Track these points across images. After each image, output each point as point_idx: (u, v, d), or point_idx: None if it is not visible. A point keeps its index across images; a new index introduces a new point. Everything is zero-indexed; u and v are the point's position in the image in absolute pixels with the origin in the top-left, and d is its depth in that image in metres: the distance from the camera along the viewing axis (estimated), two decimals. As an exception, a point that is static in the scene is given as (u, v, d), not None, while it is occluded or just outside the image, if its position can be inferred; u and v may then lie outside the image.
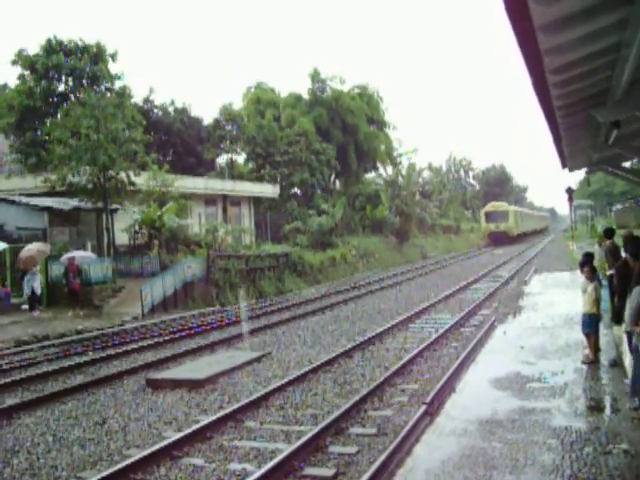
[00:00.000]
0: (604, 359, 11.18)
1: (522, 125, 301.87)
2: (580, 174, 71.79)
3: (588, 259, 11.75)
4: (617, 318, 10.04)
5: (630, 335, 8.55)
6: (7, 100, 34.89)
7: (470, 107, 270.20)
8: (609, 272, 13.55)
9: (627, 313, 7.69)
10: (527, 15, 4.52)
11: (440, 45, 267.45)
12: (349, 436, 8.59)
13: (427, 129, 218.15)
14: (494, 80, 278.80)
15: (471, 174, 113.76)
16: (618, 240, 13.77)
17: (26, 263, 22.46)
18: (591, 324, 11.13)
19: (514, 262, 39.66)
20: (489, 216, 68.95)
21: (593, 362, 11.03)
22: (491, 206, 70.93)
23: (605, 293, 13.04)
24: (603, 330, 11.98)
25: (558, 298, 19.70)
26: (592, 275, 11.36)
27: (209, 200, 39.72)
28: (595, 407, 8.85)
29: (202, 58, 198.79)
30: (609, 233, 14.32)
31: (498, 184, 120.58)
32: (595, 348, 11.21)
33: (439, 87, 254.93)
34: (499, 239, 66.83)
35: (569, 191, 36.34)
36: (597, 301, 11.21)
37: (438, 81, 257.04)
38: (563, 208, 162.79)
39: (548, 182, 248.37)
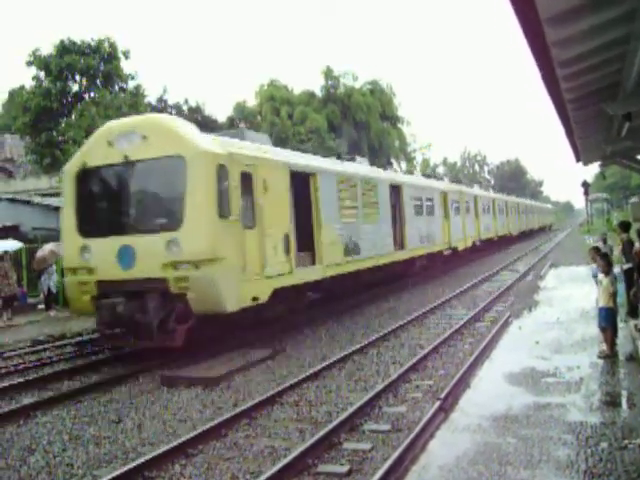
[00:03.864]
0: (621, 353, 11.11)
1: (537, 118, 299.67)
2: (597, 167, 70.75)
3: (604, 252, 11.69)
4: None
5: None
6: (22, 101, 35.27)
7: (485, 101, 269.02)
8: (625, 266, 13.45)
9: None
10: (533, 7, 4.48)
11: (454, 39, 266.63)
12: (363, 432, 8.58)
13: (442, 124, 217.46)
14: (509, 73, 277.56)
15: (486, 169, 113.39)
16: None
17: (38, 263, 22.75)
18: (607, 318, 11.07)
19: (524, 260, 39.33)
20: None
21: (609, 356, 10.96)
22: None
23: (621, 287, 12.96)
24: (619, 324, 11.89)
25: (574, 292, 19.57)
26: (608, 269, 11.28)
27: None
28: (611, 402, 8.80)
29: (215, 56, 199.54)
30: (625, 226, 14.20)
31: (513, 178, 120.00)
32: (611, 342, 11.14)
33: (454, 82, 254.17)
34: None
35: (585, 185, 36.10)
36: (613, 295, 11.14)
37: (452, 75, 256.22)
38: (580, 202, 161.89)
39: (564, 176, 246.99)
